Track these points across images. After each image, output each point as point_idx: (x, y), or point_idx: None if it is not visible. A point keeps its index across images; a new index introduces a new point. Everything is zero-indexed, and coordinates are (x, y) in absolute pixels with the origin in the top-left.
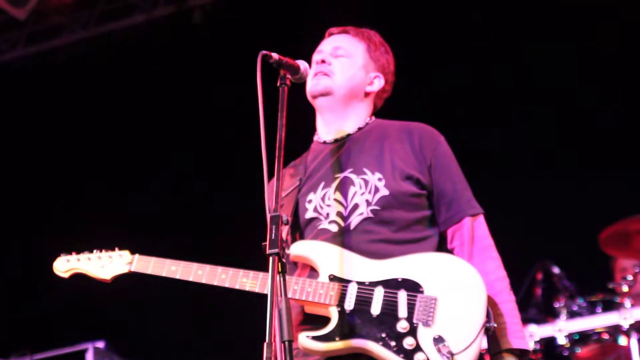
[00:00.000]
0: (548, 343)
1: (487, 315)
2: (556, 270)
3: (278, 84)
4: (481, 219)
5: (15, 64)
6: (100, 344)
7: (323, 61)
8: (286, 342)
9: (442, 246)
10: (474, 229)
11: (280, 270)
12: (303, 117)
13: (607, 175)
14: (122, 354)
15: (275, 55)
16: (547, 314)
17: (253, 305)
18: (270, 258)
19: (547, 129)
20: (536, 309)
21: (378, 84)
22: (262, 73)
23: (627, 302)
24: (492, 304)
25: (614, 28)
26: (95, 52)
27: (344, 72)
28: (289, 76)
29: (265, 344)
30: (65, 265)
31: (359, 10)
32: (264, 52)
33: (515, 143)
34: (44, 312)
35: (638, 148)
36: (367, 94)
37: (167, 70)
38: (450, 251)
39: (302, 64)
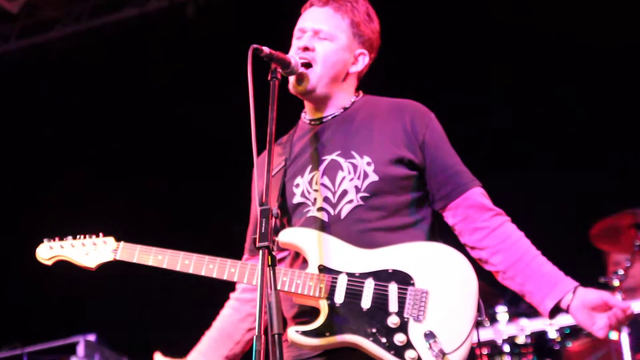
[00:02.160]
0: (539, 337)
1: (478, 310)
2: None
3: (269, 78)
4: (483, 190)
5: (7, 58)
6: (92, 337)
7: (306, 48)
8: (276, 335)
9: (435, 227)
10: (482, 199)
11: (270, 263)
12: (296, 108)
13: (598, 170)
14: (113, 347)
15: (266, 49)
16: None
17: None
18: (260, 251)
19: (537, 125)
20: (527, 303)
21: (362, 62)
22: (254, 66)
23: (618, 297)
24: (528, 260)
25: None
26: (87, 46)
27: (326, 60)
28: (279, 70)
29: (254, 337)
30: (48, 252)
31: None
32: (255, 45)
33: (506, 138)
34: (35, 305)
35: (628, 143)
36: (349, 74)
37: (160, 64)
38: (448, 230)
39: (292, 58)
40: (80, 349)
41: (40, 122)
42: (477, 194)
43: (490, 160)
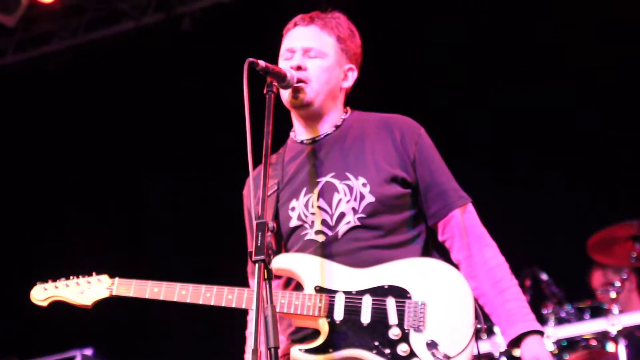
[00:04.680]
0: None
1: (477, 317)
2: (544, 276)
3: (265, 92)
4: (470, 208)
5: (4, 71)
6: (89, 351)
7: (299, 67)
8: (272, 349)
9: (429, 243)
10: (465, 219)
11: (266, 277)
12: (287, 124)
13: (595, 181)
14: None
15: (262, 63)
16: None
17: (243, 311)
18: (257, 265)
19: (534, 136)
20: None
21: (352, 77)
22: (250, 80)
23: (615, 309)
24: (496, 292)
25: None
26: (84, 59)
27: (320, 77)
28: (275, 83)
29: (251, 351)
30: (43, 294)
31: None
32: (251, 59)
33: (503, 150)
34: (32, 318)
35: (625, 155)
36: (341, 90)
37: (156, 77)
38: (441, 244)
39: (288, 71)
40: None
41: (37, 136)
42: (463, 213)
43: (486, 172)
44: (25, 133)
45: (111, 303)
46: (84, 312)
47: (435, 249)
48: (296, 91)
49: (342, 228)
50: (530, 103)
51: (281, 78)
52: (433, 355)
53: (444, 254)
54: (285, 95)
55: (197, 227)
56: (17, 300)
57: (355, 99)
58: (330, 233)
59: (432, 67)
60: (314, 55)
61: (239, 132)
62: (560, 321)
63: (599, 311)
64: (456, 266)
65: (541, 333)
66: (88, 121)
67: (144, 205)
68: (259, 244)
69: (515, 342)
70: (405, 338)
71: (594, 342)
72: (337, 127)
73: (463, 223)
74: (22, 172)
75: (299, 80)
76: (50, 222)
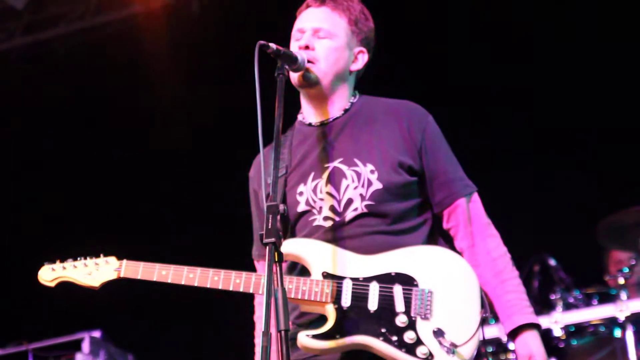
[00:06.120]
0: (544, 335)
1: (482, 305)
2: (552, 262)
3: (275, 74)
4: (476, 198)
5: (13, 54)
6: (97, 334)
7: (307, 47)
8: (282, 332)
9: (435, 230)
10: (470, 208)
11: (277, 259)
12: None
13: (603, 167)
14: (119, 344)
15: (273, 46)
16: (543, 306)
17: (250, 295)
18: (267, 247)
19: (543, 122)
20: (532, 301)
21: (362, 60)
22: (260, 63)
23: (623, 294)
24: (497, 282)
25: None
26: (93, 42)
27: (328, 57)
28: (286, 66)
29: (262, 333)
30: (50, 274)
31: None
32: (262, 42)
33: (512, 136)
34: (41, 301)
35: (634, 140)
36: (350, 72)
37: (165, 60)
38: (447, 232)
39: (299, 54)
40: (86, 346)
41: (45, 119)
42: (468, 202)
43: (495, 158)
44: (34, 116)
45: (119, 285)
46: (91, 295)
47: (441, 236)
48: (306, 73)
49: (349, 214)
50: (541, 88)
51: (292, 60)
52: (439, 343)
53: (449, 242)
54: (294, 76)
55: (205, 213)
56: (25, 283)
57: (372, 83)
58: (337, 219)
59: (443, 50)
60: (324, 35)
61: (250, 115)
62: (568, 307)
63: (607, 297)
64: (460, 254)
65: (538, 327)
66: (97, 104)
67: (153, 187)
68: (269, 227)
69: (513, 334)
70: (412, 325)
71: (601, 328)
72: (345, 110)
73: (468, 212)
74: (29, 156)
75: (307, 61)
76: (59, 205)
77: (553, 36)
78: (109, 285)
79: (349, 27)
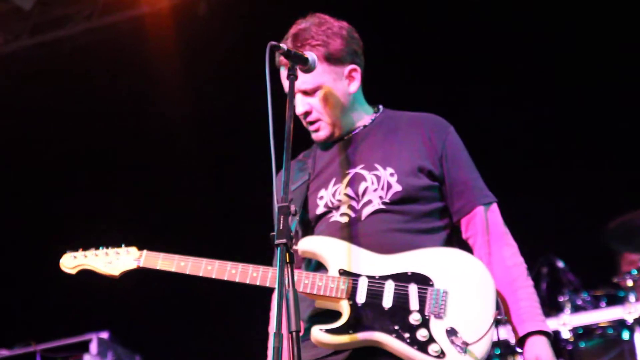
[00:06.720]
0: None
1: (497, 308)
2: (560, 264)
3: (287, 76)
4: (494, 208)
5: (20, 55)
6: (105, 335)
7: (307, 113)
8: (294, 333)
9: (453, 238)
10: (488, 217)
11: (288, 260)
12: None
13: (613, 168)
14: (126, 345)
15: (284, 46)
16: (552, 308)
17: (257, 296)
18: (278, 248)
19: (552, 123)
20: (540, 303)
21: (357, 76)
22: (270, 65)
23: (632, 297)
24: (510, 290)
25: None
26: (99, 43)
27: (327, 106)
28: (297, 67)
29: (273, 334)
30: (72, 262)
31: None
32: (273, 43)
33: (521, 137)
34: (48, 302)
35: None
36: (350, 94)
37: (172, 61)
38: (465, 241)
39: (310, 55)
40: (93, 347)
41: (53, 119)
42: (486, 211)
43: (504, 158)
44: (41, 117)
45: (127, 286)
46: (100, 296)
47: (459, 246)
48: (314, 131)
49: (367, 210)
50: (550, 87)
51: (304, 61)
52: (452, 342)
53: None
54: (318, 137)
55: (225, 208)
56: (33, 284)
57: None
58: (354, 215)
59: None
60: (311, 91)
61: (260, 117)
62: (576, 309)
63: (615, 299)
64: None
65: (549, 335)
66: (103, 104)
67: (174, 181)
68: (281, 228)
69: (523, 340)
70: (425, 324)
71: (610, 330)
72: (365, 126)
73: (486, 220)
74: (38, 157)
75: (311, 122)
76: (64, 206)
77: (553, 36)
78: (117, 286)
79: (327, 62)
